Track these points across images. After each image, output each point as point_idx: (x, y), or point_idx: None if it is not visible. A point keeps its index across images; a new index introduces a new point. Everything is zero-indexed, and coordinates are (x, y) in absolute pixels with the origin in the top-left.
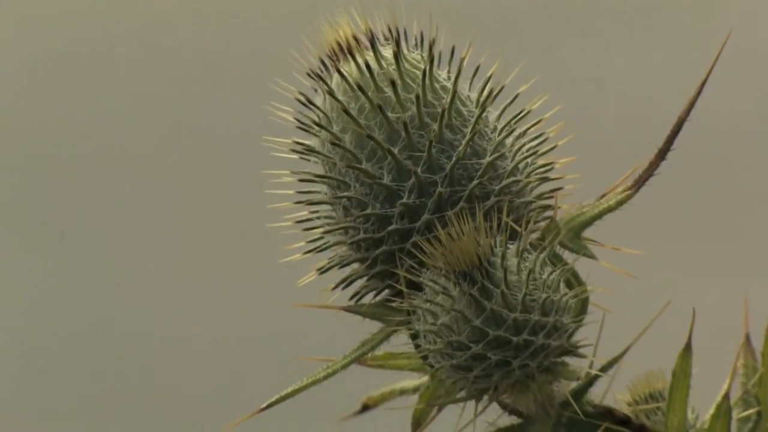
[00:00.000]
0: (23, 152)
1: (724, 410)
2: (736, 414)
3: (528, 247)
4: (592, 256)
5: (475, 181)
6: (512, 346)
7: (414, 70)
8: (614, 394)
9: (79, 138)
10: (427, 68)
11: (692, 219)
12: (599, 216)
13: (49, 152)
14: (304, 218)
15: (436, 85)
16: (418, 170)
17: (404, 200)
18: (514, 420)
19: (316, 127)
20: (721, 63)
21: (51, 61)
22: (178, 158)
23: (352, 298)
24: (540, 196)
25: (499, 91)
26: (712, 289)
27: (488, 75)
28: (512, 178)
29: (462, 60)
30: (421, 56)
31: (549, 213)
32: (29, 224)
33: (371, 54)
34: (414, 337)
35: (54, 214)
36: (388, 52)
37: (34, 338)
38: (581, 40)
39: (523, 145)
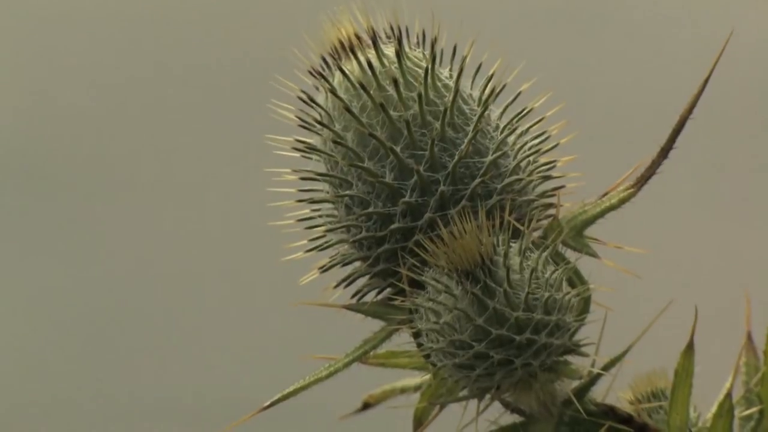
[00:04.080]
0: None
1: (726, 409)
2: (739, 412)
3: (530, 245)
4: (594, 255)
5: (478, 180)
6: (515, 345)
7: (416, 69)
8: (616, 392)
9: (79, 140)
10: (429, 66)
11: (693, 217)
12: (602, 214)
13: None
14: (306, 216)
15: (438, 84)
16: (421, 168)
17: (406, 199)
18: (516, 418)
19: (317, 126)
20: (723, 61)
21: (43, 67)
22: (180, 156)
23: (354, 296)
24: (542, 195)
25: (501, 89)
26: (714, 287)
27: (490, 73)
28: (514, 177)
29: (464, 58)
30: (423, 54)
31: (551, 211)
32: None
33: (373, 52)
34: (416, 335)
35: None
36: (390, 50)
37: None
38: (583, 38)
39: (526, 143)
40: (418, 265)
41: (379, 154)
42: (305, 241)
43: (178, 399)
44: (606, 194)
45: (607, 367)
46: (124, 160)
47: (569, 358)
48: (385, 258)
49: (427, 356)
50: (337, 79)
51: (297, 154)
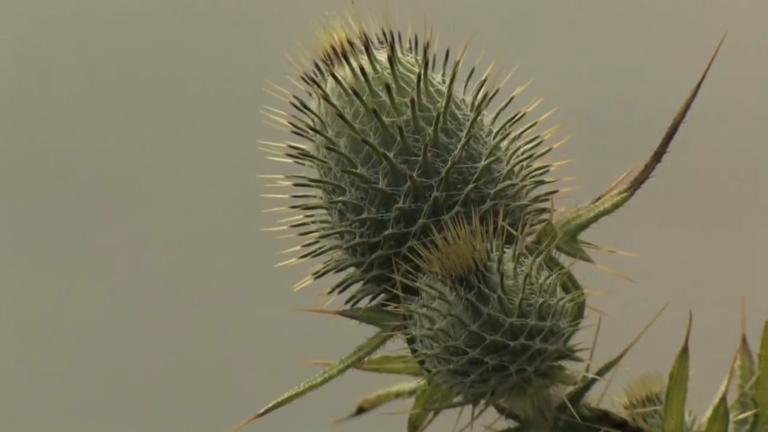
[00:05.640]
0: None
1: (721, 413)
2: (733, 416)
3: (524, 250)
4: (588, 259)
5: (471, 185)
6: (509, 351)
7: (409, 74)
8: (611, 397)
9: (71, 149)
10: (422, 72)
11: (689, 220)
12: (595, 219)
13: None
14: (300, 222)
15: (431, 89)
16: (414, 174)
17: (400, 204)
18: (511, 424)
19: (310, 132)
20: (716, 64)
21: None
22: (172, 163)
23: (347, 302)
24: (536, 199)
25: (494, 94)
26: (709, 291)
27: (483, 78)
28: (508, 182)
29: (457, 63)
30: (416, 60)
31: (545, 216)
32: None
33: (366, 58)
34: (410, 341)
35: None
36: (382, 55)
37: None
38: (577, 42)
39: (519, 147)
40: (411, 271)
41: (372, 160)
42: (299, 247)
43: (174, 403)
44: (600, 198)
45: (601, 372)
46: (118, 161)
47: (564, 363)
48: (379, 264)
49: (422, 362)
50: (329, 85)
51: (290, 160)
